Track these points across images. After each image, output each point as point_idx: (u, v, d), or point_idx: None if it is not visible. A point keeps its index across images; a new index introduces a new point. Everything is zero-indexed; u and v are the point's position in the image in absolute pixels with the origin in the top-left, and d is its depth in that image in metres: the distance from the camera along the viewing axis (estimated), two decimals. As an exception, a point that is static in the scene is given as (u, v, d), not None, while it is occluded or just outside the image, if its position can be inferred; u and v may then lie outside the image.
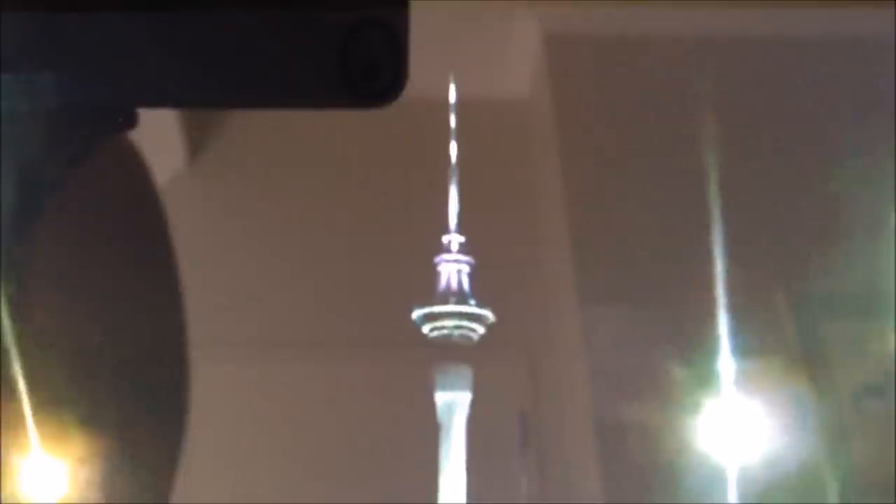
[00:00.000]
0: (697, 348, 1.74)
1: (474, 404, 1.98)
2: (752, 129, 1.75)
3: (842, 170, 1.79)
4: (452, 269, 2.03)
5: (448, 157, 1.98)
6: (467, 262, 2.02)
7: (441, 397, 1.99)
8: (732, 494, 1.71)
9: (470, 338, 2.01)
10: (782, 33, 1.74)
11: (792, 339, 1.75)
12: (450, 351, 2.00)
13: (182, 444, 0.83)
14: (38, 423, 0.78)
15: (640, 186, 1.82)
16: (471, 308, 2.01)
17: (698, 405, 1.76)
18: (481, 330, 2.01)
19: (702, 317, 1.74)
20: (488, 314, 2.01)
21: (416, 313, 2.00)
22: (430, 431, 1.97)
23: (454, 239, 2.02)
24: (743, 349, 1.74)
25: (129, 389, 0.80)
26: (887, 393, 1.72)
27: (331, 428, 1.93)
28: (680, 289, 1.79)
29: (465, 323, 2.01)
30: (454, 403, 1.99)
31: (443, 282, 2.02)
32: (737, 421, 1.76)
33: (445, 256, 2.02)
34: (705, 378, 1.75)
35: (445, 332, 2.01)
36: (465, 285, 2.02)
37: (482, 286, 2.01)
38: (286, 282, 1.93)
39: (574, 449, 1.94)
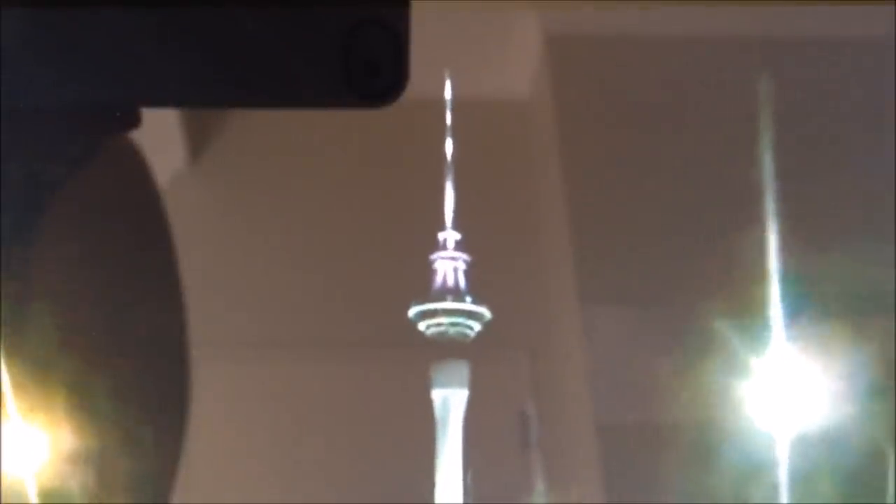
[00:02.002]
0: (697, 348, 1.74)
1: (472, 403, 1.98)
2: (752, 129, 1.75)
3: (841, 170, 1.79)
4: (449, 266, 2.03)
5: (446, 156, 1.98)
6: (464, 260, 2.02)
7: (437, 393, 1.99)
8: (732, 495, 1.71)
9: (466, 335, 2.01)
10: (783, 33, 1.74)
11: (792, 339, 1.75)
12: (446, 348, 2.00)
13: (182, 443, 0.83)
14: (38, 423, 0.78)
15: (640, 186, 1.82)
16: (467, 305, 2.01)
17: (698, 405, 1.76)
18: (477, 327, 2.01)
19: (702, 317, 1.74)
20: (485, 311, 2.01)
21: (413, 310, 2.00)
22: (427, 428, 1.98)
23: (450, 236, 2.02)
24: (744, 349, 1.74)
25: (130, 390, 0.80)
26: (888, 392, 1.72)
27: (328, 425, 1.94)
28: (680, 289, 1.79)
29: (461, 320, 2.01)
30: (450, 399, 1.99)
31: (439, 279, 2.02)
32: (736, 421, 1.76)
33: (441, 253, 2.02)
34: (705, 379, 1.75)
35: (441, 328, 2.01)
36: (462, 282, 2.02)
37: (479, 284, 2.01)
38: (285, 281, 1.93)
39: (574, 448, 1.94)
